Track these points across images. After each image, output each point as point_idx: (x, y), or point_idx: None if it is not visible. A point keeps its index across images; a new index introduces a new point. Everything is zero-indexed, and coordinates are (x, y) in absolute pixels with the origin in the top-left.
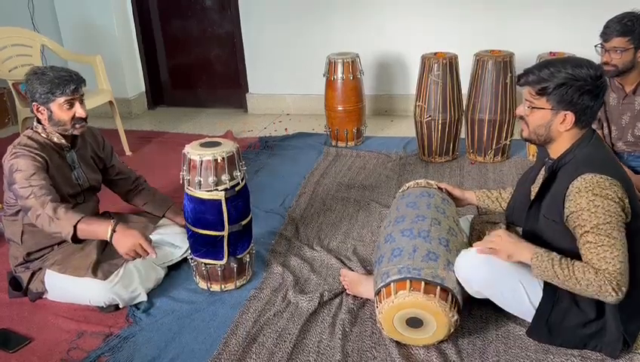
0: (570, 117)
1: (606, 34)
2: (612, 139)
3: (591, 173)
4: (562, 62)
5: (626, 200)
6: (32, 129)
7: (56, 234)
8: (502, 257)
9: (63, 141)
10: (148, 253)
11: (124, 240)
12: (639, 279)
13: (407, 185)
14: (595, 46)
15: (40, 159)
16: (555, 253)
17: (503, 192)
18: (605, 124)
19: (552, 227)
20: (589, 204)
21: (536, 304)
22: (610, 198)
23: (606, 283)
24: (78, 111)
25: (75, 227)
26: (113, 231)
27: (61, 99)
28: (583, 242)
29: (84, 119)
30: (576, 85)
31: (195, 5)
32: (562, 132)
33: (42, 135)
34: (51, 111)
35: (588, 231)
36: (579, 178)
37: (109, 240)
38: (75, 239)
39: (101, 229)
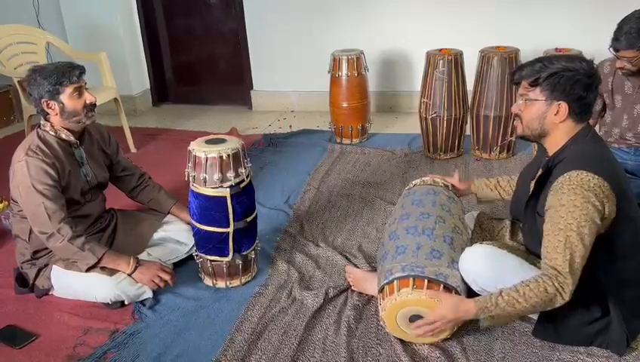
0: (564, 107)
1: (614, 46)
2: (622, 129)
3: (578, 169)
4: (555, 56)
5: (608, 203)
6: (40, 128)
7: (67, 257)
8: (448, 325)
9: (72, 138)
10: (168, 282)
11: (144, 274)
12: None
13: (413, 182)
14: (609, 48)
15: (52, 166)
16: (493, 294)
17: (501, 180)
18: (610, 113)
19: None
20: (569, 202)
21: None
22: (591, 202)
23: (553, 288)
24: (88, 97)
25: (99, 259)
26: (135, 266)
27: (70, 89)
28: (553, 240)
29: (95, 105)
30: (568, 75)
31: (200, 2)
32: (557, 124)
33: (51, 133)
34: (63, 104)
35: (562, 230)
36: (565, 174)
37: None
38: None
39: (122, 264)
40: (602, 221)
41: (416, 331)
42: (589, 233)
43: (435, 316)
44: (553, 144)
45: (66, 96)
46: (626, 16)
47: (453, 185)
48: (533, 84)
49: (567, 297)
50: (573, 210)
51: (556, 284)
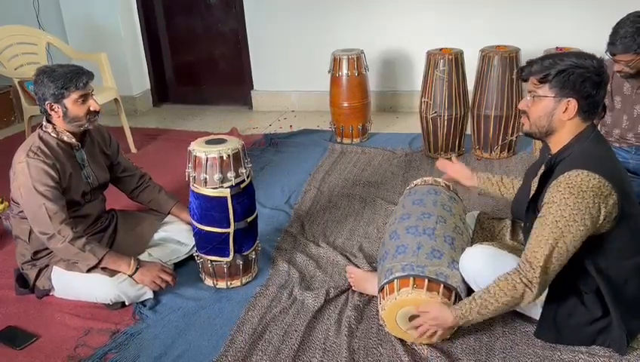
0: (573, 104)
1: (610, 50)
2: (622, 130)
3: (579, 169)
4: (565, 53)
5: (605, 205)
6: (42, 129)
7: (68, 258)
8: (437, 331)
9: (73, 140)
10: (169, 283)
11: (145, 275)
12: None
13: (414, 182)
14: (605, 52)
15: (53, 167)
16: (467, 299)
17: (505, 178)
18: (610, 114)
19: None
20: (562, 200)
21: (542, 300)
22: (584, 204)
23: (522, 284)
24: (93, 105)
25: (100, 260)
26: (136, 268)
27: (75, 95)
28: (537, 235)
29: (98, 112)
30: (578, 72)
31: (200, 2)
32: (564, 121)
33: (52, 135)
34: (66, 108)
35: (549, 225)
36: (565, 173)
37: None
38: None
39: (123, 265)
40: (597, 224)
41: (413, 332)
42: (575, 235)
43: (421, 320)
44: (558, 142)
45: (70, 101)
46: (620, 20)
47: (455, 183)
48: (543, 80)
49: (536, 291)
50: (564, 209)
51: (524, 280)
